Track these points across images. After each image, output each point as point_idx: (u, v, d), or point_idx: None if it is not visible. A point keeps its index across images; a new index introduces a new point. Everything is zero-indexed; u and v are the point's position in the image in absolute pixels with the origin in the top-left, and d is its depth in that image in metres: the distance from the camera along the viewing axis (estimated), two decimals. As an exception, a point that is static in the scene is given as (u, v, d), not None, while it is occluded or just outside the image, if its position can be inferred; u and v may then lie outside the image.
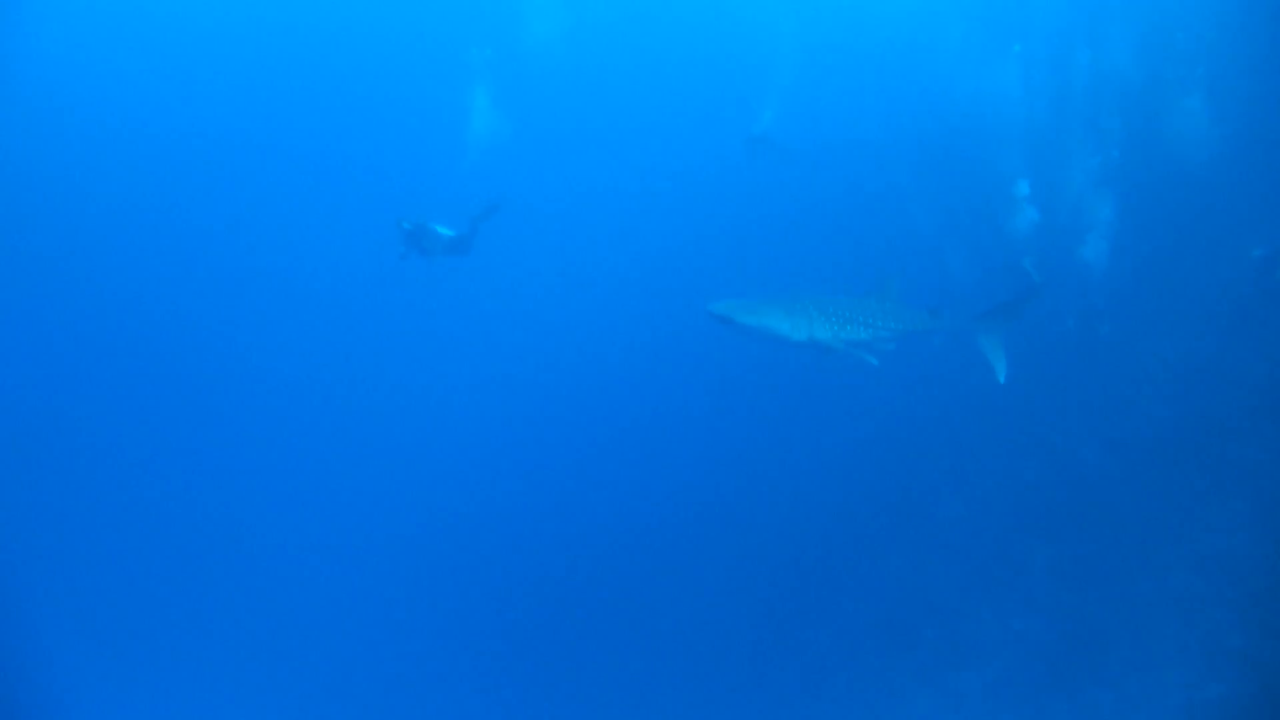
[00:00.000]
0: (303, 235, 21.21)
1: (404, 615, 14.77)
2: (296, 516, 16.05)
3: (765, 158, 15.44)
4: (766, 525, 13.72)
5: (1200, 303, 10.72)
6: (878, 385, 11.53)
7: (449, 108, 20.78)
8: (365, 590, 15.09)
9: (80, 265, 19.62)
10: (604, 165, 21.07)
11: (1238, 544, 9.20)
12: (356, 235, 18.06)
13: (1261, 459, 9.28)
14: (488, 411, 17.85)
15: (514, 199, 10.84)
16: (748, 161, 15.63)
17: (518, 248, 17.15)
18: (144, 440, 16.98)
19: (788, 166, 15.72)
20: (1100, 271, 11.39)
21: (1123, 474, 10.33)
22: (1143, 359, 10.84)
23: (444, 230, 10.60)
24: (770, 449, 14.32)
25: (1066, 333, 11.54)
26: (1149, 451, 10.27)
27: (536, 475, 16.01)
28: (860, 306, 8.20)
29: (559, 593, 14.15)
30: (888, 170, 16.18)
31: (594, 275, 19.32)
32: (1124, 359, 11.01)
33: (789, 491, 13.86)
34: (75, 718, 12.18)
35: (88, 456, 16.34)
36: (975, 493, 11.61)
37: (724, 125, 17.55)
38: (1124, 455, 10.44)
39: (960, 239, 15.27)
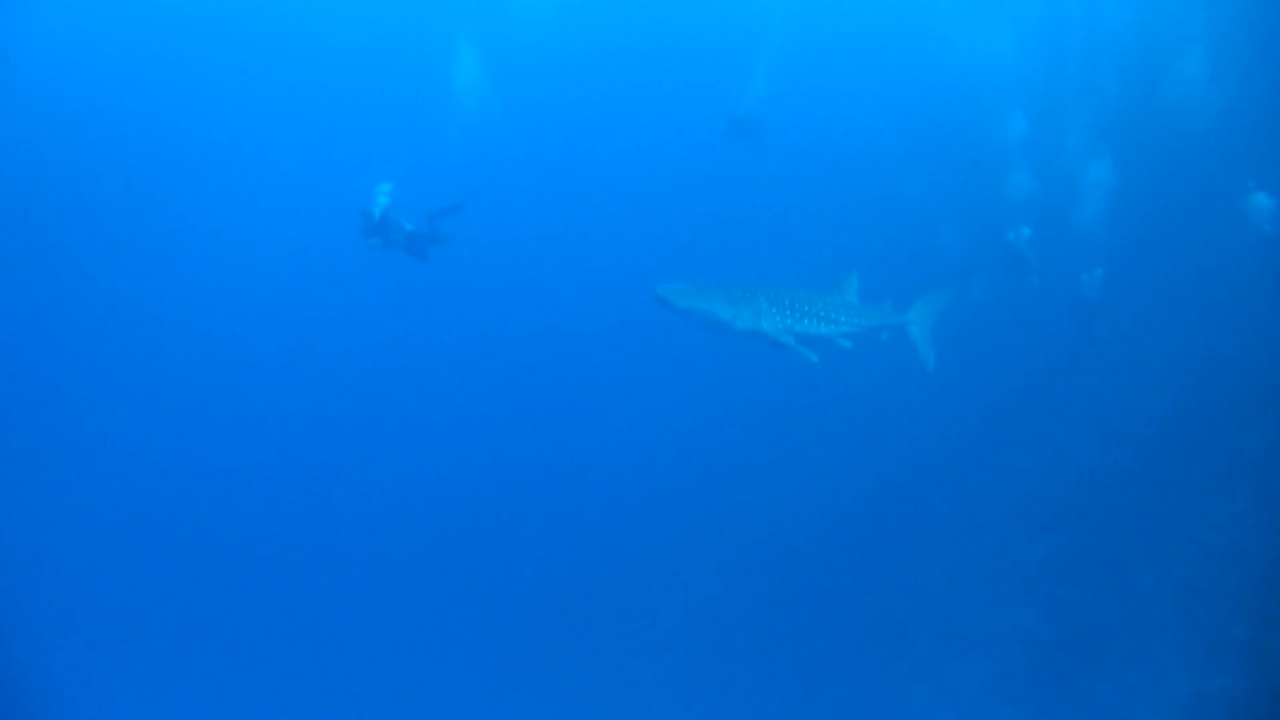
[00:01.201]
0: (280, 222, 20.92)
1: (397, 613, 14.60)
2: (291, 514, 15.92)
3: (749, 140, 14.94)
4: (759, 520, 13.56)
5: (1200, 291, 10.37)
6: (870, 379, 11.21)
7: (432, 86, 20.28)
8: (362, 588, 14.95)
9: (63, 262, 19.32)
10: (582, 150, 20.55)
11: (1239, 536, 8.95)
12: (330, 222, 17.70)
13: (1262, 450, 8.99)
14: (474, 407, 17.64)
15: (475, 200, 10.34)
16: (730, 144, 15.15)
17: (493, 234, 16.72)
18: (137, 437, 16.81)
19: (772, 149, 15.23)
20: (1098, 254, 11.05)
21: (1122, 466, 10.06)
22: (1141, 350, 10.52)
23: (406, 225, 10.17)
24: (764, 444, 14.11)
25: (1063, 324, 11.23)
26: (1148, 443, 9.99)
27: (526, 474, 15.82)
28: (820, 301, 7.99)
29: (544, 592, 14.02)
30: (881, 150, 15.76)
31: (571, 262, 18.87)
32: (1122, 350, 10.69)
33: (782, 486, 13.68)
34: (75, 718, 12.08)
35: (80, 457, 16.23)
36: (971, 485, 11.38)
37: (706, 106, 17.03)
38: (1123, 447, 10.16)
39: (954, 213, 14.91)
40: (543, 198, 20.27)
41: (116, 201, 20.31)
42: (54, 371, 17.46)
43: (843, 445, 13.41)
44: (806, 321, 7.78)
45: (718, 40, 19.60)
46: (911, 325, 9.00)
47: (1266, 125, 11.37)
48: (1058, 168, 13.07)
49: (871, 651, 11.33)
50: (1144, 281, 10.89)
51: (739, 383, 14.83)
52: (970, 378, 12.73)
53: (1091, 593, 9.80)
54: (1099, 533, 9.87)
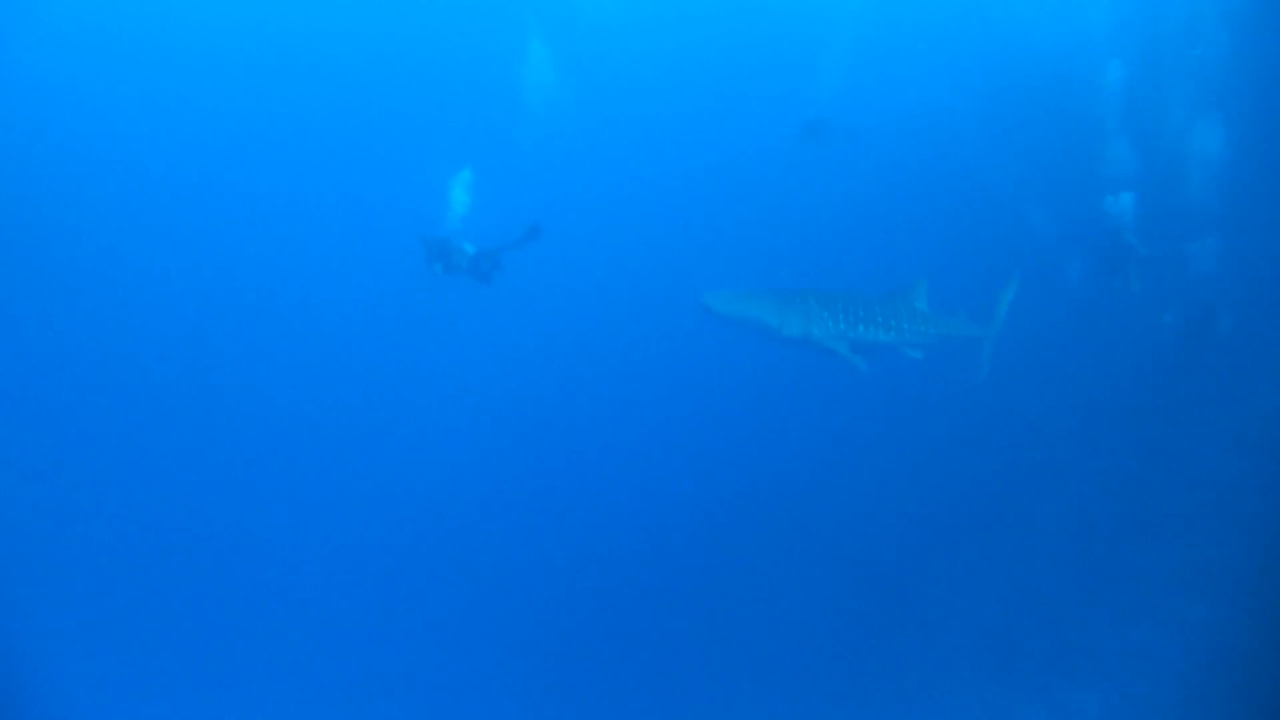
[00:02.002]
0: (330, 237, 20.35)
1: (410, 619, 14.02)
2: (302, 518, 15.39)
3: (822, 144, 14.45)
4: (853, 525, 12.99)
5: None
6: (973, 379, 10.46)
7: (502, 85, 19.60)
8: (370, 595, 14.40)
9: (101, 268, 19.10)
10: (649, 154, 20.13)
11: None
12: (385, 241, 17.09)
13: None
14: (497, 410, 17.06)
15: (550, 226, 10.06)
16: (802, 148, 14.72)
17: (561, 239, 16.25)
18: (151, 443, 16.35)
19: (847, 152, 14.64)
20: (1213, 251, 9.91)
21: (1246, 472, 8.96)
22: (1260, 337, 9.34)
23: (468, 247, 9.85)
24: (856, 446, 13.54)
25: (1176, 323, 10.14)
26: (1272, 446, 8.84)
27: (576, 481, 15.21)
28: (878, 307, 7.57)
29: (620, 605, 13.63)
30: (962, 145, 14.81)
31: (636, 267, 18.17)
32: (1242, 350, 9.52)
33: (876, 488, 13.09)
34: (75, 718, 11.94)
35: (111, 458, 15.72)
36: (1078, 492, 10.52)
37: (777, 109, 16.56)
38: (1246, 452, 9.06)
39: (1043, 192, 13.80)
40: (611, 203, 19.72)
41: (173, 209, 20.01)
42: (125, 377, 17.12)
43: (941, 447, 12.69)
44: (862, 328, 7.37)
45: (788, 39, 19.00)
46: (988, 340, 8.54)
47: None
48: (1160, 129, 11.81)
49: (972, 666, 10.66)
50: (1262, 255, 9.63)
51: (827, 385, 14.27)
52: (1075, 372, 11.76)
53: (1223, 610, 8.78)
54: (1224, 544, 8.83)
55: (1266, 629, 8.51)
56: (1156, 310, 10.29)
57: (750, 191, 17.76)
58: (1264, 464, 8.94)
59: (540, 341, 17.70)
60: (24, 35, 19.95)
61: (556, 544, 14.22)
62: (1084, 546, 10.56)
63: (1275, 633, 8.31)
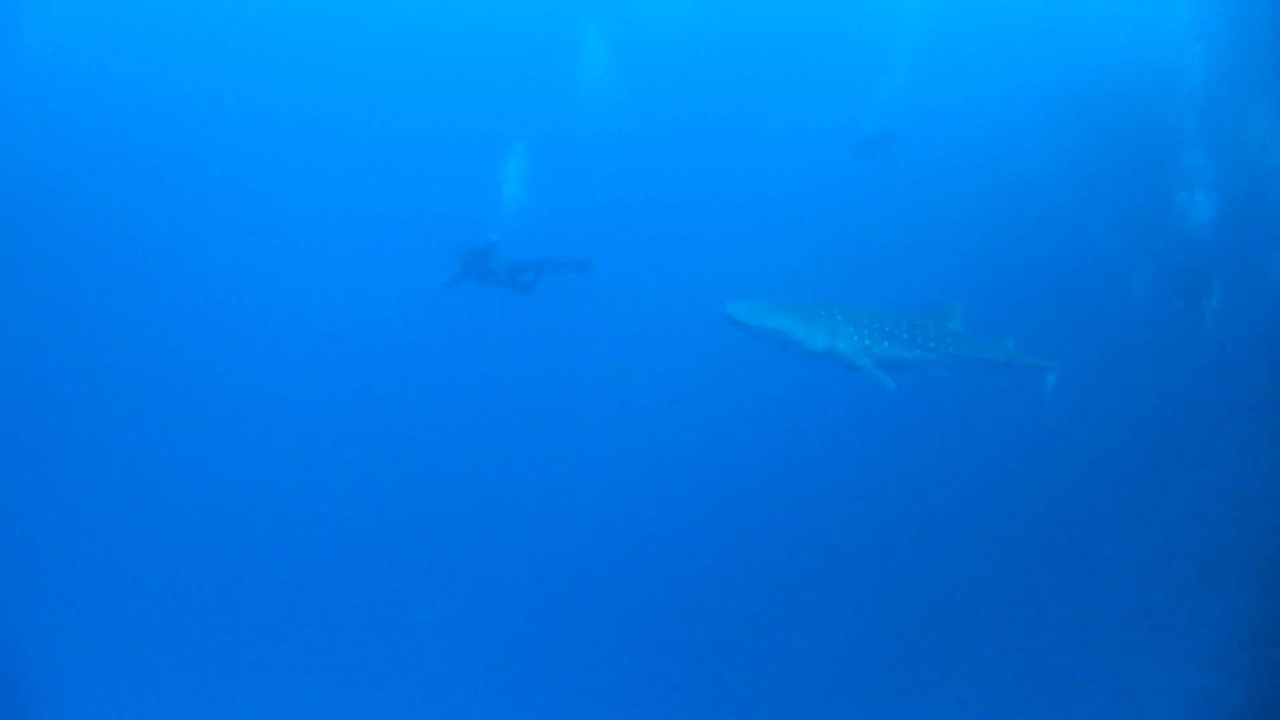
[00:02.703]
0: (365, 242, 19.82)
1: (412, 620, 14.02)
2: (304, 519, 15.27)
3: (878, 161, 14.23)
4: (907, 554, 12.77)
5: None
6: (1026, 405, 10.19)
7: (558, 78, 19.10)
8: (373, 597, 14.39)
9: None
10: (699, 167, 19.82)
11: None
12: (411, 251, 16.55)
13: None
14: (507, 412, 16.87)
15: (600, 259, 10.20)
16: (856, 166, 14.51)
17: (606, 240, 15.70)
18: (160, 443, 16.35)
19: (902, 171, 14.37)
20: None
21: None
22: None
23: (506, 258, 9.88)
24: (915, 470, 13.22)
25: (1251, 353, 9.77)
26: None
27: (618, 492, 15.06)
28: (909, 323, 7.46)
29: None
30: (1028, 161, 14.37)
31: (687, 279, 17.53)
32: None
33: (935, 519, 12.80)
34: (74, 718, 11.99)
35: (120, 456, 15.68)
36: (1142, 530, 10.18)
37: (830, 126, 16.32)
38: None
39: (1113, 211, 13.34)
40: (660, 208, 19.26)
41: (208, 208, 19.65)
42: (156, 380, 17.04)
43: (1003, 481, 12.32)
44: (887, 344, 7.27)
45: (845, 50, 18.61)
46: (1051, 375, 8.29)
47: None
48: (1240, 133, 11.34)
49: (1034, 708, 10.41)
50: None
51: (877, 409, 13.99)
52: (1141, 403, 11.39)
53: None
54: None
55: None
56: (1235, 333, 9.91)
57: (803, 203, 17.49)
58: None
59: (571, 344, 17.46)
60: (29, 34, 19.50)
61: (580, 552, 14.17)
62: (1142, 589, 10.24)
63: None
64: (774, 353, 7.36)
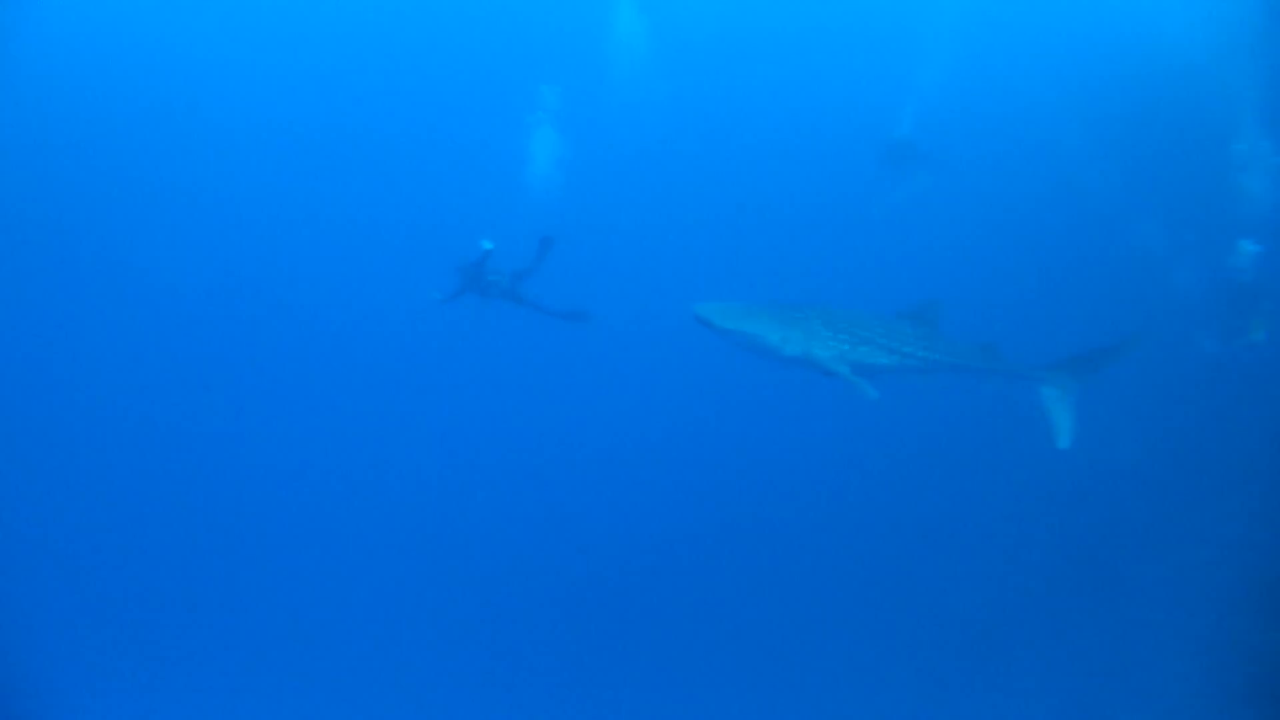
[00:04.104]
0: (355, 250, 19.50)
1: (412, 621, 13.74)
2: (304, 521, 15.13)
3: (909, 167, 13.71)
4: (933, 575, 12.20)
5: None
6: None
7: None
8: (373, 598, 14.15)
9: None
10: (724, 172, 19.49)
11: None
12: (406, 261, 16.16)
13: None
14: (499, 419, 16.64)
15: (563, 234, 9.62)
16: (887, 173, 13.99)
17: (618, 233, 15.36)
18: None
19: (935, 176, 13.83)
20: None
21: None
22: None
23: (505, 268, 9.62)
24: (937, 502, 12.70)
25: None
26: None
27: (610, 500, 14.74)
28: (885, 328, 7.08)
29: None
30: (1067, 162, 13.76)
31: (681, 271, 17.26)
32: None
33: (963, 536, 12.23)
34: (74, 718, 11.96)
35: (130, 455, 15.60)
36: (1185, 558, 9.53)
37: (859, 130, 15.80)
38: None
39: (1158, 206, 12.67)
40: (663, 208, 19.08)
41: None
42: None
43: (1023, 498, 11.77)
44: (864, 349, 6.91)
45: (874, 51, 18.11)
46: (1050, 387, 7.55)
47: None
48: None
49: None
50: None
51: (895, 427, 13.44)
52: (1178, 425, 10.73)
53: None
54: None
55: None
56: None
57: (831, 211, 17.04)
58: None
59: (571, 344, 17.06)
60: (30, 34, 19.47)
61: (565, 555, 13.98)
62: (1186, 620, 9.61)
63: None
64: (746, 356, 7.05)
